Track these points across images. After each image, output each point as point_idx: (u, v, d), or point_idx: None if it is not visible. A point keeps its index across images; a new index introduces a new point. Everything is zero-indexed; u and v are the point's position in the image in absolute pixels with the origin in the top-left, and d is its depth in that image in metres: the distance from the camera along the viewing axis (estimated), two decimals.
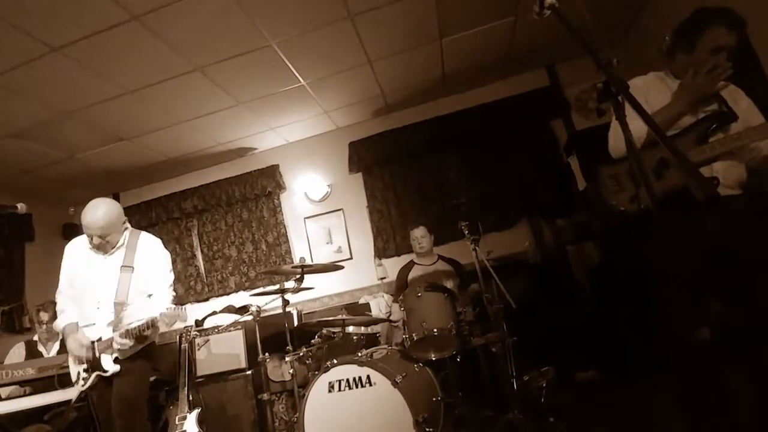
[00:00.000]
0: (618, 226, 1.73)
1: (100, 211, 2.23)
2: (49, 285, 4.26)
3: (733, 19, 1.62)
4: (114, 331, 2.23)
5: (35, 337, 3.46)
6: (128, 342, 2.17)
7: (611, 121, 1.79)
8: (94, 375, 2.23)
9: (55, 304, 3.35)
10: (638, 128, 1.62)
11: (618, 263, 3.14)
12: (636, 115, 1.67)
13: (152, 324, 2.15)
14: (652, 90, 1.79)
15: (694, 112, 1.66)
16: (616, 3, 3.38)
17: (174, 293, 2.44)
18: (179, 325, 2.23)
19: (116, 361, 2.23)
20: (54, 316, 3.31)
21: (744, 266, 1.50)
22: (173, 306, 2.17)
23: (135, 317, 2.22)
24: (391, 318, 3.33)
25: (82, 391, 2.29)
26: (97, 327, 2.28)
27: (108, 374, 2.20)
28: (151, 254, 2.41)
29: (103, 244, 2.29)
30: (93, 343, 2.25)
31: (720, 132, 1.63)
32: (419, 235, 3.47)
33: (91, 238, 2.28)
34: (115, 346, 2.19)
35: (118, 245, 2.37)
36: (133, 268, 2.31)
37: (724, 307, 1.56)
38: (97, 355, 2.23)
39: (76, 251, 2.43)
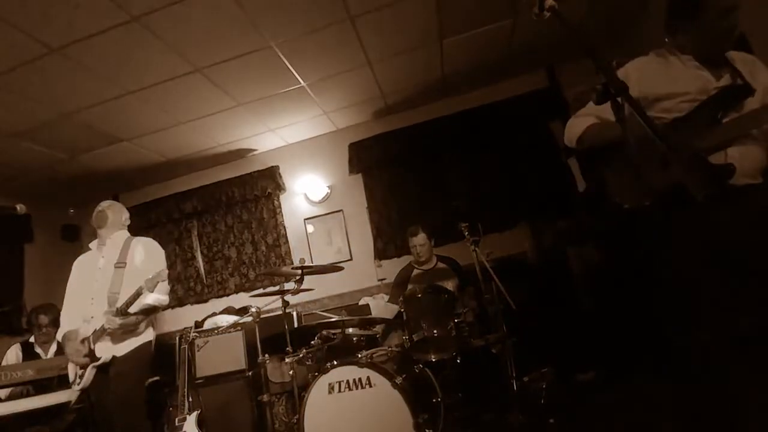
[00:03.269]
0: (622, 224, 1.65)
1: (115, 202, 2.75)
2: (49, 286, 4.30)
3: None
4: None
5: (32, 339, 3.45)
6: (117, 320, 2.22)
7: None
8: (89, 369, 2.26)
9: (53, 306, 3.38)
10: (575, 125, 1.64)
11: (620, 264, 3.13)
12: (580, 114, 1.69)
13: (138, 294, 2.19)
14: (647, 74, 1.58)
15: (704, 91, 1.44)
16: (616, 4, 3.39)
17: (168, 285, 2.49)
18: (164, 290, 2.32)
19: (114, 358, 2.27)
20: (53, 320, 3.33)
21: (755, 268, 1.32)
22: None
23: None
24: (379, 316, 3.29)
25: (81, 390, 2.32)
26: (94, 321, 2.34)
27: (100, 362, 2.25)
28: (143, 250, 2.53)
29: (101, 217, 2.57)
30: (88, 338, 2.30)
31: (734, 111, 1.41)
32: (418, 243, 3.39)
33: (95, 212, 2.60)
34: (106, 326, 2.24)
35: (114, 239, 2.55)
36: (125, 263, 2.44)
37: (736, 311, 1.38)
38: (92, 347, 2.28)
39: (80, 263, 2.61)
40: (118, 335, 2.29)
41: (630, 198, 1.53)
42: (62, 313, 2.53)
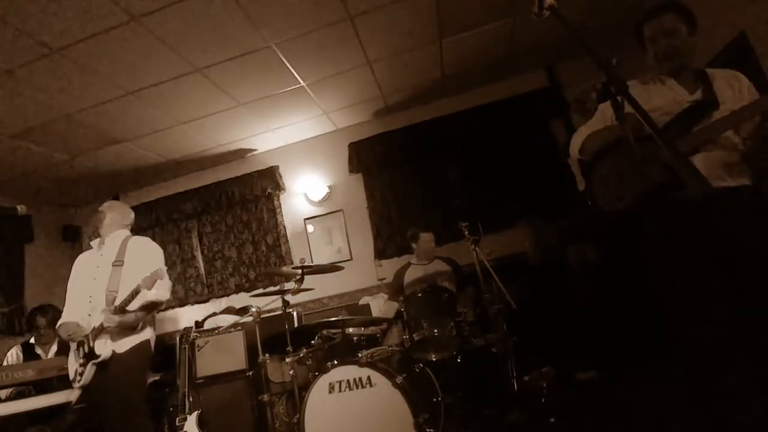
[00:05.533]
0: (609, 226, 1.70)
1: (118, 202, 2.75)
2: (49, 287, 4.31)
3: (673, 3, 1.67)
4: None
5: (32, 340, 3.45)
6: (115, 317, 2.25)
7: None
8: (89, 366, 2.27)
9: (51, 307, 3.38)
10: (574, 141, 1.80)
11: (616, 263, 3.14)
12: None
13: (136, 293, 2.22)
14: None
15: (677, 105, 1.61)
16: (616, 3, 3.39)
17: (169, 281, 2.52)
18: (163, 286, 2.34)
19: (114, 355, 2.28)
20: (51, 320, 3.32)
21: (738, 263, 1.41)
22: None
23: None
24: (383, 315, 3.30)
25: (81, 388, 2.33)
26: (92, 318, 2.36)
27: (100, 359, 2.26)
28: (140, 249, 2.56)
29: (98, 218, 2.60)
30: (87, 335, 2.31)
31: (703, 122, 1.54)
32: (428, 239, 3.47)
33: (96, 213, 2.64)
34: (105, 325, 2.26)
35: (113, 238, 2.57)
36: (123, 262, 2.46)
37: (725, 307, 1.51)
38: (91, 344, 2.29)
39: (80, 261, 2.63)
40: (116, 332, 2.31)
41: (612, 201, 1.64)
42: (64, 313, 2.52)
